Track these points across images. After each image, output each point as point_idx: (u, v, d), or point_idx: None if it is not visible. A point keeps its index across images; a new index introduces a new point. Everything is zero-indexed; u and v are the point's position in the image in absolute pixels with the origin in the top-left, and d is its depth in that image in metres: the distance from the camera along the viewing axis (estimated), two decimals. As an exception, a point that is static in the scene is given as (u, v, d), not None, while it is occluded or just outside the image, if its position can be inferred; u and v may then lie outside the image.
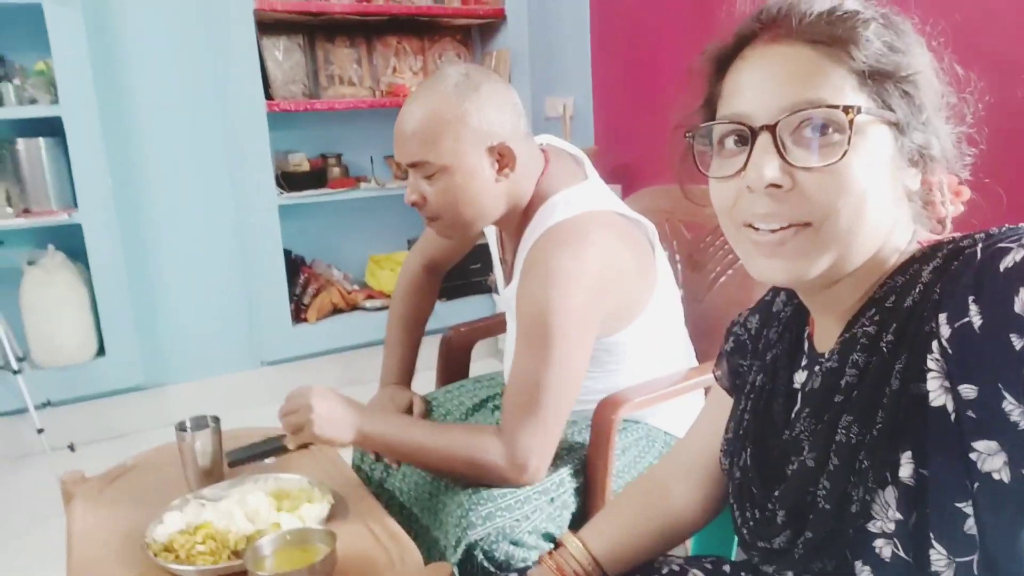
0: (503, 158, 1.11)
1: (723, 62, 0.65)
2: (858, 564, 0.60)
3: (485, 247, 1.39)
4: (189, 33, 2.61)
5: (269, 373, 2.89)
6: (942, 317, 0.54)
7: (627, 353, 1.19)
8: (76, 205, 2.47)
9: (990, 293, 0.51)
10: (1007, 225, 0.56)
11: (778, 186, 0.57)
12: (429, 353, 1.57)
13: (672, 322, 1.27)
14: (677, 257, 1.51)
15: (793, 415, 0.66)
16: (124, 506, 1.18)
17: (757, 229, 0.60)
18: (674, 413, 1.26)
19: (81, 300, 2.54)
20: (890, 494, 0.57)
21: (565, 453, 1.16)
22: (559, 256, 1.06)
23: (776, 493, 0.65)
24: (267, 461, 1.28)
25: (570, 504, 1.12)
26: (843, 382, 0.60)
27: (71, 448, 2.51)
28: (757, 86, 0.60)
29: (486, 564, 1.03)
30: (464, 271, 3.05)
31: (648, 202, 1.56)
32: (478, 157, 1.09)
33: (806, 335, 0.70)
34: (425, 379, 1.54)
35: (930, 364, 0.54)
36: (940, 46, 0.62)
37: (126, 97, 2.57)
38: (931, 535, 0.54)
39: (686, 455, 0.87)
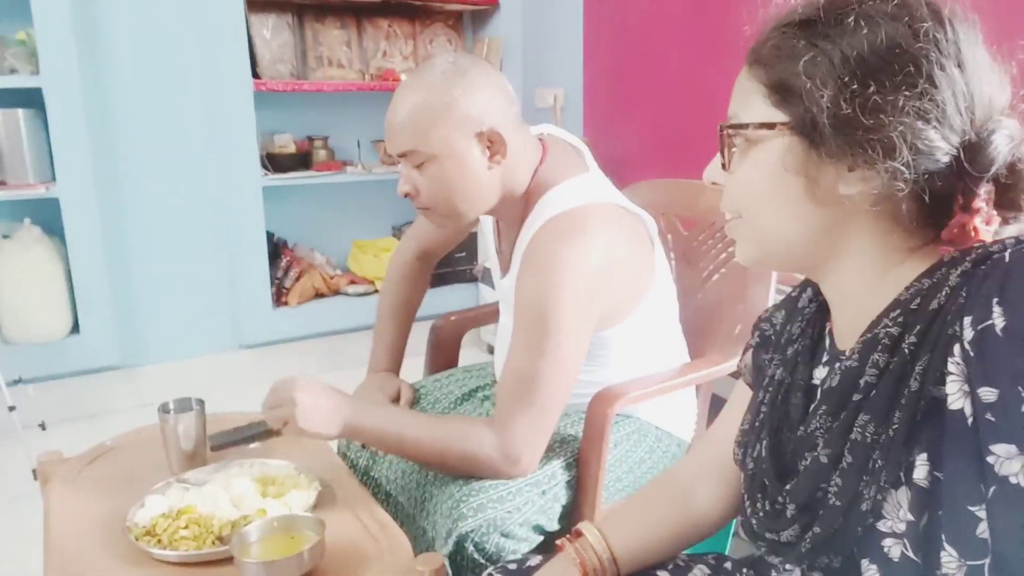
0: (494, 144, 1.09)
1: None
2: (865, 562, 0.60)
3: (473, 236, 1.38)
4: (176, 6, 2.55)
5: (249, 356, 2.85)
6: (966, 320, 0.54)
7: (621, 347, 1.18)
8: (54, 179, 2.41)
9: (1014, 296, 0.52)
10: None
11: (716, 183, 0.68)
12: (419, 340, 1.55)
13: (667, 317, 1.26)
14: (671, 252, 1.50)
15: (810, 411, 0.67)
16: (103, 489, 1.16)
17: None
18: (665, 408, 1.25)
19: (56, 276, 2.48)
20: (903, 495, 0.58)
21: (557, 446, 1.15)
22: (560, 248, 1.05)
23: (788, 487, 0.66)
24: (252, 446, 1.25)
25: (561, 497, 1.11)
26: (862, 381, 0.60)
27: (42, 427, 2.45)
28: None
29: (476, 556, 1.02)
30: (449, 259, 3.02)
31: (644, 196, 1.55)
32: (467, 144, 1.08)
33: (827, 331, 0.71)
34: (413, 366, 1.53)
35: (951, 367, 0.55)
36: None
37: (109, 70, 2.50)
38: (943, 537, 0.55)
39: (709, 453, 0.86)
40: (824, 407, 0.64)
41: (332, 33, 2.95)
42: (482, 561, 1.01)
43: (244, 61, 2.60)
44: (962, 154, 0.58)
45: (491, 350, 2.49)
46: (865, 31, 0.58)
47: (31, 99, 2.35)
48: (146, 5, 2.51)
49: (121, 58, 2.51)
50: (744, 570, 0.81)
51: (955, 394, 0.54)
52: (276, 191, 2.80)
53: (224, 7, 2.53)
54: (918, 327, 0.58)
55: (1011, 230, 0.62)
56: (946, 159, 0.58)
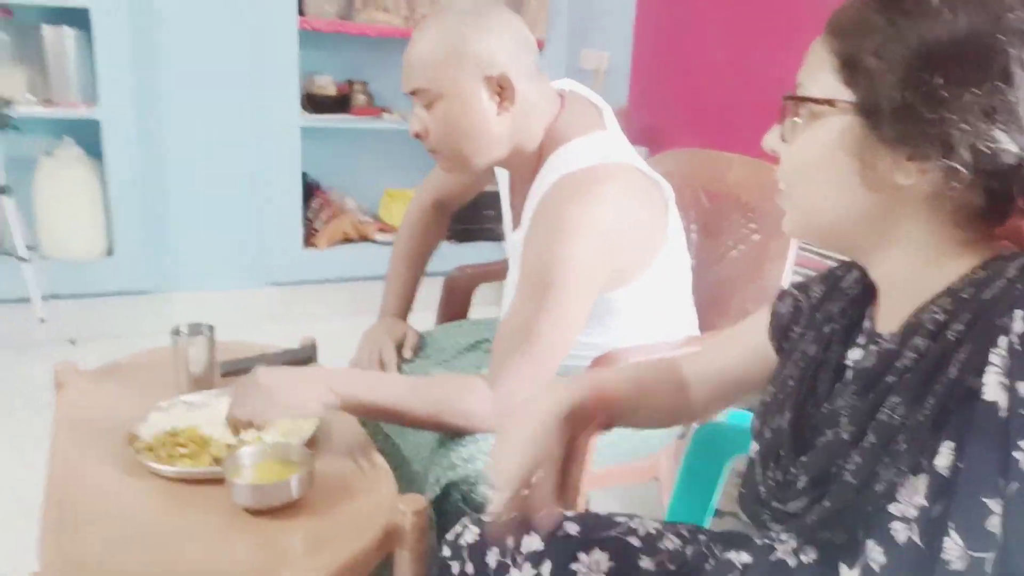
0: (504, 91, 1.08)
1: None
2: (870, 543, 0.60)
3: (498, 195, 1.37)
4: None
5: (275, 293, 2.90)
6: (1018, 313, 0.53)
7: (626, 311, 1.18)
8: (96, 100, 2.45)
9: None
10: None
11: (776, 151, 0.67)
12: (434, 292, 1.56)
13: (677, 287, 1.25)
14: (693, 223, 1.48)
15: (836, 389, 0.67)
16: (113, 402, 1.19)
17: None
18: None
19: (94, 197, 2.54)
20: (921, 480, 0.57)
21: (553, 403, 1.15)
22: (570, 207, 1.04)
23: (803, 459, 0.65)
24: (257, 376, 1.28)
25: (552, 454, 1.11)
26: (899, 364, 0.60)
27: (72, 342, 2.54)
28: None
29: (462, 505, 1.03)
30: (478, 216, 3.02)
31: (671, 165, 1.52)
32: (476, 86, 1.07)
33: (868, 315, 0.70)
34: (425, 319, 1.54)
35: (992, 358, 0.54)
36: None
37: (157, -5, 2.52)
38: (950, 524, 0.54)
39: (713, 368, 0.87)
40: (854, 386, 0.63)
41: (382, -24, 2.92)
42: (468, 510, 1.03)
43: (291, -1, 2.59)
44: None
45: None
46: (947, 15, 0.55)
47: (78, 19, 2.38)
48: (197, -67, 2.51)
49: (169, -16, 2.52)
50: (718, 544, 0.81)
51: (992, 385, 0.53)
52: (313, 132, 2.81)
53: (274, -59, 2.52)
54: (968, 315, 0.57)
55: None
56: (1012, 160, 0.56)
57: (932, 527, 0.56)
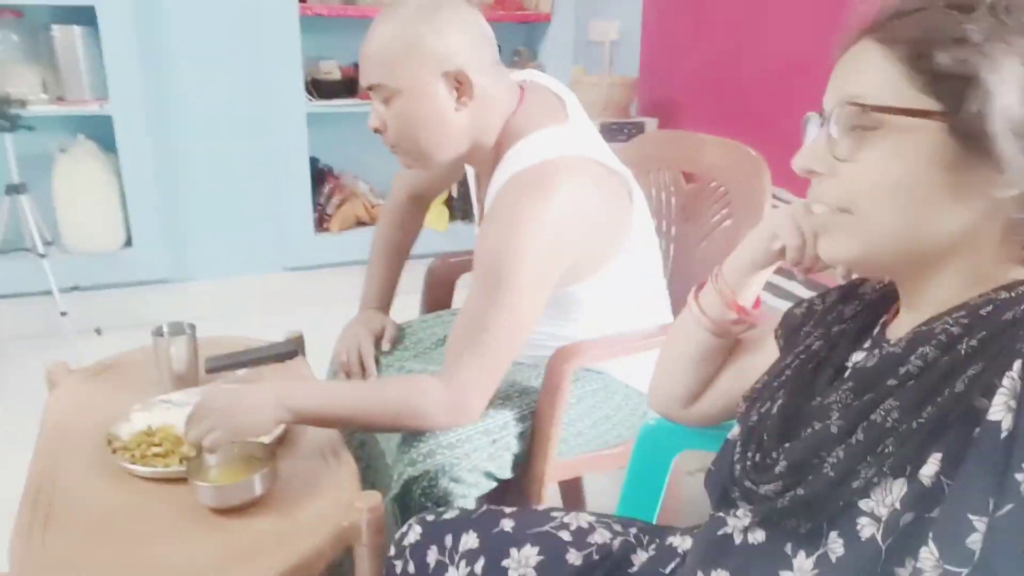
0: (462, 86, 1.07)
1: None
2: (833, 534, 0.61)
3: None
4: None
5: (290, 278, 2.96)
6: None
7: (591, 303, 1.18)
8: (108, 96, 2.51)
9: None
10: None
11: (814, 172, 0.62)
12: (418, 279, 1.58)
13: (646, 275, 1.24)
14: (673, 206, 1.46)
15: (833, 385, 0.67)
16: (101, 401, 1.24)
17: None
18: (637, 367, 1.24)
19: (111, 190, 2.61)
20: (899, 485, 0.58)
21: (516, 396, 1.17)
22: (522, 202, 1.03)
23: (787, 445, 0.66)
24: (239, 372, 1.32)
25: (512, 446, 1.13)
26: (903, 369, 0.60)
27: (98, 332, 2.63)
28: (833, 79, 0.63)
29: (422, 500, 1.06)
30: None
31: (652, 148, 1.51)
32: (433, 81, 1.06)
33: (881, 322, 0.70)
34: (408, 305, 1.56)
35: (1004, 381, 0.54)
36: None
37: (160, -10, 2.55)
38: (930, 534, 0.55)
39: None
40: (850, 383, 0.63)
41: (383, -43, 2.90)
42: (428, 505, 1.05)
43: (291, -15, 2.60)
44: None
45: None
46: None
47: (87, 17, 2.43)
48: (196, -75, 2.53)
49: (171, -22, 2.55)
50: (651, 534, 0.82)
51: (999, 406, 0.54)
52: (322, 117, 2.84)
53: (272, -72, 2.53)
54: (984, 332, 0.57)
55: None
56: None
57: (903, 533, 0.56)
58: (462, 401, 1.05)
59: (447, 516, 0.91)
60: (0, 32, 2.41)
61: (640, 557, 0.82)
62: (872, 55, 0.59)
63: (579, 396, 1.20)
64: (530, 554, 0.82)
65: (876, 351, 0.65)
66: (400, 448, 1.09)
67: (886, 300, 0.71)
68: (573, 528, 0.85)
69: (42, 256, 2.33)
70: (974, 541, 0.53)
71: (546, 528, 0.85)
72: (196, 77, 2.67)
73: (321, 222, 2.95)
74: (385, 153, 1.35)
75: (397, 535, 0.92)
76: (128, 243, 2.70)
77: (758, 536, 0.67)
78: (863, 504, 0.59)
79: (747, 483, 0.67)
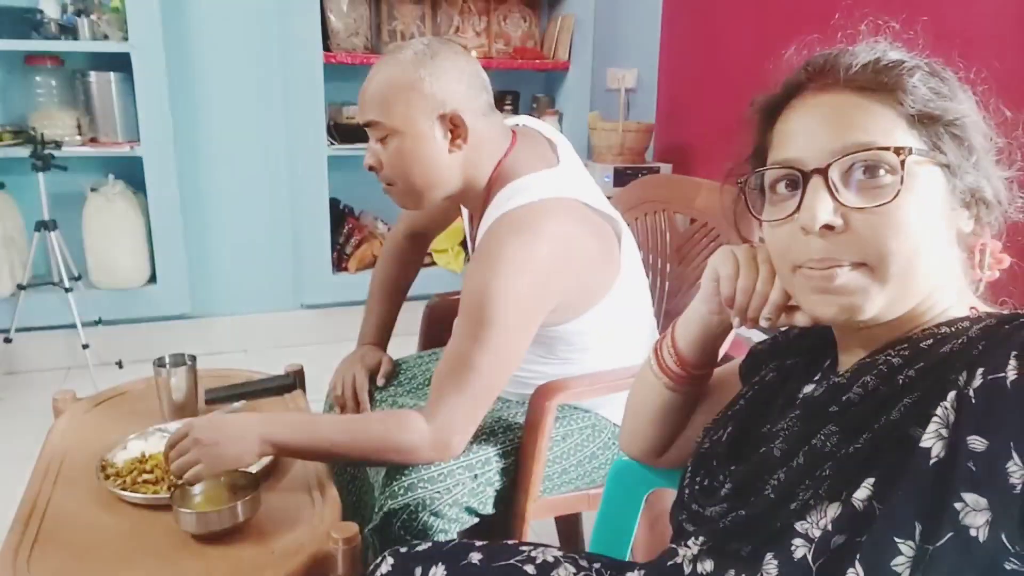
0: (456, 128, 1.11)
1: (772, 112, 0.68)
2: (768, 555, 0.62)
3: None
4: (255, -20, 2.69)
5: (308, 316, 3.01)
6: (979, 370, 0.55)
7: (579, 342, 1.19)
8: (139, 138, 2.62)
9: None
10: None
11: (831, 228, 0.60)
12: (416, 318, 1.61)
13: (635, 315, 1.25)
14: (668, 247, 1.48)
15: (782, 414, 0.68)
16: (101, 428, 1.28)
17: (812, 269, 0.63)
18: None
19: (138, 229, 2.71)
20: (833, 508, 0.59)
21: (500, 432, 1.18)
22: (507, 243, 1.06)
23: (732, 467, 0.68)
24: (236, 404, 1.35)
25: (495, 482, 1.14)
26: (844, 397, 0.61)
27: (119, 365, 2.70)
28: (808, 132, 0.63)
29: (401, 533, 1.07)
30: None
31: (644, 191, 1.53)
32: (429, 123, 1.10)
33: (832, 356, 0.71)
34: (408, 344, 1.59)
35: (938, 411, 0.56)
36: (985, 92, 0.65)
37: (191, 39, 2.68)
38: (857, 556, 0.56)
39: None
40: (798, 412, 0.65)
41: (407, 7, 3.02)
42: (407, 538, 1.06)
43: (316, 35, 2.71)
44: None
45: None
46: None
47: (121, 64, 2.55)
48: (228, -22, 2.67)
49: (203, 28, 2.68)
50: (608, 573, 0.82)
51: (931, 435, 0.55)
52: (344, 160, 2.92)
53: (299, -18, 2.65)
54: (921, 364, 0.59)
55: None
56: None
57: (829, 553, 0.58)
58: (444, 437, 1.06)
59: (419, 548, 0.92)
60: (41, 78, 2.54)
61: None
62: (865, 105, 0.61)
63: (564, 434, 1.20)
64: (494, 586, 0.83)
65: (824, 382, 0.67)
66: (383, 481, 1.11)
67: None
68: (539, 562, 0.85)
69: (68, 290, 2.41)
70: (899, 564, 0.54)
71: (512, 561, 0.85)
72: (223, 121, 2.78)
73: (339, 261, 3.01)
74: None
75: (371, 567, 0.93)
76: (152, 279, 2.78)
77: (707, 566, 0.68)
78: (798, 526, 0.60)
79: (694, 506, 0.69)
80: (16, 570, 0.93)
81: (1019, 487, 0.50)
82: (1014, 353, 0.53)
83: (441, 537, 1.08)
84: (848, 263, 0.60)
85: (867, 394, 0.60)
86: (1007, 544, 0.50)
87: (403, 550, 0.92)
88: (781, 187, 0.65)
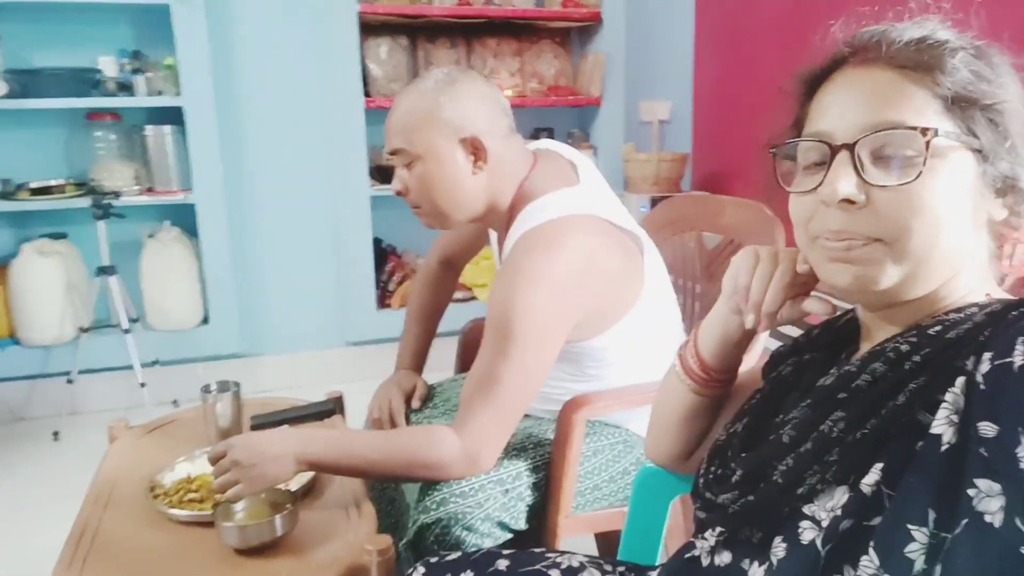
0: (477, 151, 1.15)
1: (813, 84, 0.68)
2: (777, 539, 0.63)
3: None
4: (298, 34, 2.84)
5: (353, 352, 3.08)
6: (985, 355, 0.55)
7: (606, 357, 1.20)
8: (191, 187, 2.75)
9: None
10: None
11: (851, 202, 0.61)
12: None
13: (663, 330, 1.26)
14: (697, 265, 1.49)
15: (794, 405, 0.69)
16: (152, 453, 1.34)
17: (828, 240, 0.64)
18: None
19: (191, 272, 2.83)
20: (841, 492, 0.60)
21: (531, 447, 1.19)
22: (529, 259, 1.09)
23: (743, 455, 0.69)
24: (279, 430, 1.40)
25: (526, 497, 1.15)
26: (853, 384, 0.62)
27: (175, 403, 2.80)
28: (841, 106, 0.63)
29: (435, 547, 1.08)
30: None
31: (673, 211, 1.55)
32: (451, 148, 1.15)
33: (849, 350, 0.73)
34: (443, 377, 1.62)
35: (946, 397, 0.56)
36: None
37: (239, 91, 2.82)
38: (871, 543, 0.56)
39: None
40: (809, 400, 0.66)
41: (442, 52, 3.13)
42: (441, 553, 1.07)
43: (357, 82, 2.83)
44: None
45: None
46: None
47: (175, 117, 2.70)
48: (272, 34, 2.81)
49: (250, 81, 2.83)
50: (635, 572, 0.82)
51: (941, 420, 0.56)
52: (385, 200, 3.01)
53: (340, 34, 2.79)
54: (928, 350, 0.60)
55: None
56: None
57: (838, 538, 0.58)
58: (473, 451, 1.08)
59: (449, 557, 0.93)
60: (101, 133, 2.70)
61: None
62: (899, 82, 0.61)
63: (595, 449, 1.21)
64: (521, 591, 0.84)
65: (837, 371, 0.67)
66: (417, 496, 1.13)
67: (857, 331, 0.73)
68: (564, 567, 0.86)
69: (126, 332, 2.52)
70: (912, 550, 0.54)
71: (537, 567, 0.86)
72: (270, 167, 2.91)
73: (383, 298, 3.08)
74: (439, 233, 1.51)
75: (404, 576, 0.95)
76: (205, 320, 2.89)
77: (724, 557, 0.68)
78: (806, 509, 0.61)
79: (707, 494, 0.70)
80: (70, 582, 0.98)
81: None
82: (1021, 339, 0.53)
83: (474, 551, 1.09)
84: (863, 239, 0.61)
85: (875, 380, 0.61)
86: (1022, 529, 0.50)
87: (434, 560, 0.94)
88: (811, 159, 0.65)
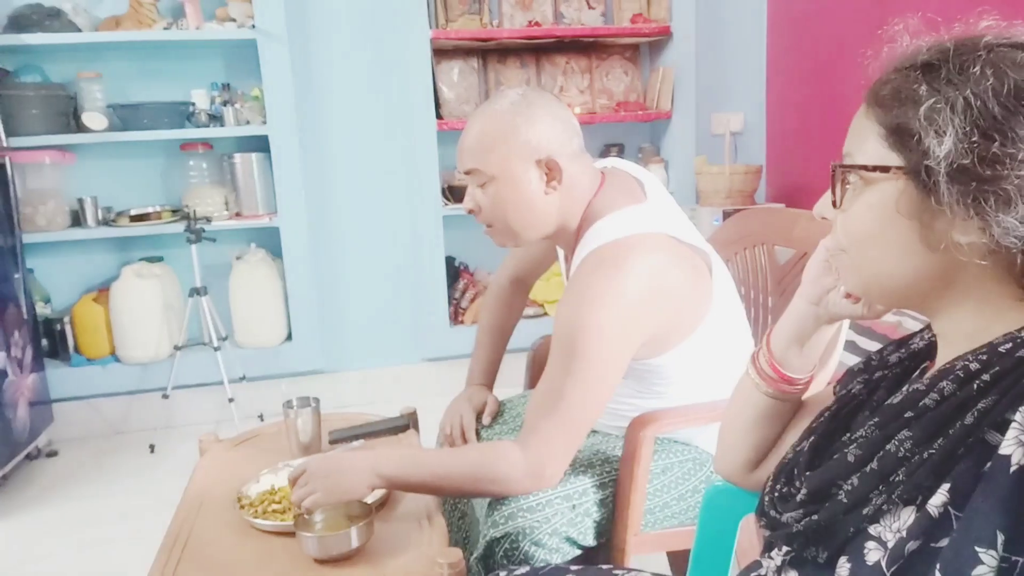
0: (551, 171, 1.17)
1: None
2: (842, 559, 0.62)
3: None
4: (374, 62, 2.95)
5: (428, 368, 3.15)
6: None
7: (674, 374, 1.20)
8: (276, 211, 2.88)
9: None
10: None
11: (825, 219, 0.70)
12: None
13: (732, 347, 1.25)
14: (769, 279, 1.47)
15: (862, 424, 0.69)
16: (240, 465, 1.41)
17: None
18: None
19: (276, 292, 2.96)
20: (908, 513, 0.59)
21: (599, 464, 1.20)
22: (597, 277, 1.10)
23: (808, 473, 0.69)
24: (354, 444, 1.45)
25: (592, 513, 1.15)
26: (921, 403, 0.62)
27: (260, 418, 2.92)
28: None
29: (504, 561, 1.10)
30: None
31: (742, 226, 1.53)
32: (525, 168, 1.17)
33: (922, 368, 0.73)
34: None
35: (1016, 417, 0.55)
36: None
37: (321, 119, 2.95)
38: (937, 566, 0.55)
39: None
40: (876, 419, 0.66)
41: (512, 72, 3.18)
42: (508, 565, 1.10)
43: (430, 107, 2.92)
44: None
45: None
46: (991, 80, 0.57)
47: (262, 145, 2.85)
48: (351, 64, 2.94)
49: (330, 109, 2.96)
50: None
51: (1011, 441, 0.55)
52: (457, 220, 3.07)
53: (414, 61, 2.89)
54: (998, 368, 0.59)
55: None
56: None
57: (904, 560, 0.58)
58: (539, 466, 1.10)
59: (517, 572, 0.95)
60: (193, 162, 2.87)
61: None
62: (861, 118, 0.66)
63: (663, 467, 1.21)
64: (590, 606, 0.85)
65: (905, 389, 0.66)
66: (486, 512, 1.15)
67: (930, 348, 0.72)
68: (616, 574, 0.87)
69: (216, 349, 2.66)
70: (980, 573, 0.52)
71: (605, 583, 0.87)
72: (349, 191, 3.02)
73: (456, 315, 3.14)
74: (510, 251, 1.56)
75: (481, 588, 0.98)
76: (289, 338, 3.02)
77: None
78: (872, 530, 0.60)
79: (772, 512, 0.70)
80: (164, 585, 1.05)
81: None
82: None
83: (543, 567, 1.11)
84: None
85: (943, 399, 0.60)
86: None
87: (503, 574, 0.96)
88: None
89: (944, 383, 0.61)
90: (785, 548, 0.69)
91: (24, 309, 2.58)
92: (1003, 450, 0.54)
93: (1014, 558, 0.52)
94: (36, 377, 2.66)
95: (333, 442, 1.49)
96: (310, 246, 2.94)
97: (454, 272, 3.16)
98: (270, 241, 2.95)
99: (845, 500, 0.63)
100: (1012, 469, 0.53)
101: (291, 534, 1.14)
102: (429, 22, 2.87)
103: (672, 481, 1.21)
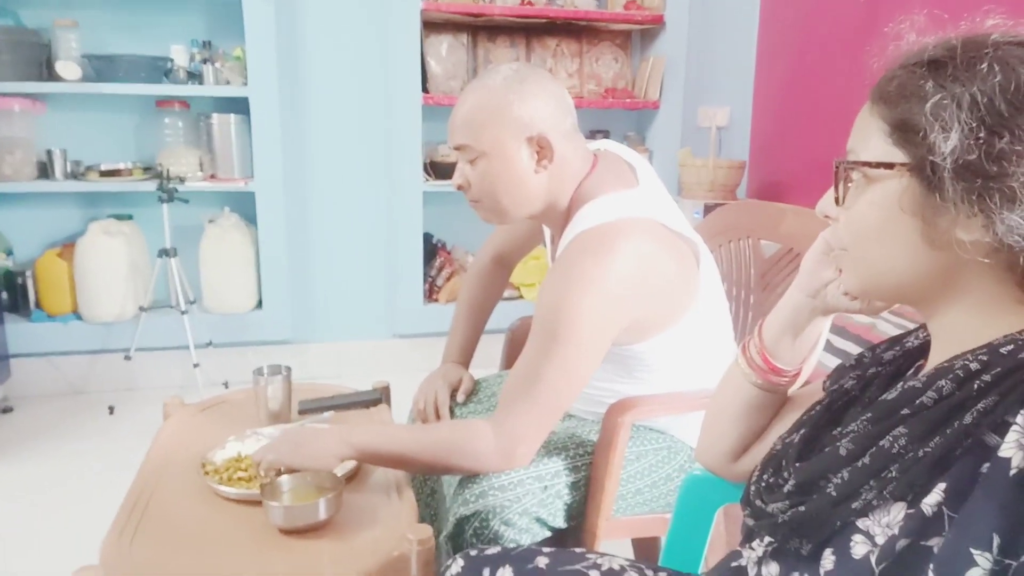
0: (542, 149, 1.15)
1: None
2: (827, 552, 0.62)
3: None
4: (361, 30, 2.88)
5: (399, 344, 3.12)
6: None
7: (655, 362, 1.19)
8: (253, 175, 2.82)
9: None
10: None
11: (828, 216, 0.70)
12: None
13: (714, 338, 1.24)
14: (752, 274, 1.47)
15: (854, 418, 0.69)
16: (205, 431, 1.38)
17: None
18: (702, 429, 1.24)
19: (248, 258, 2.90)
20: (898, 509, 0.59)
21: (573, 447, 1.19)
22: (582, 261, 1.09)
23: (797, 464, 0.68)
24: (325, 415, 1.43)
25: (564, 495, 1.15)
26: (918, 400, 0.62)
27: (225, 385, 2.87)
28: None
29: (474, 540, 1.09)
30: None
31: (728, 219, 1.53)
32: (516, 145, 1.15)
33: (916, 366, 0.72)
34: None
35: (1017, 419, 0.55)
36: None
37: (303, 84, 2.88)
38: (930, 566, 0.55)
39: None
40: (869, 414, 0.65)
41: (502, 51, 3.14)
42: (479, 545, 1.08)
43: (416, 78, 2.87)
44: None
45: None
46: (999, 77, 0.57)
47: (241, 107, 2.77)
48: (338, 30, 2.87)
49: (313, 74, 2.89)
50: None
51: (1010, 444, 0.55)
52: (437, 196, 3.04)
53: (402, 30, 2.82)
54: (999, 369, 0.58)
55: None
56: None
57: (894, 558, 0.57)
58: (510, 445, 1.08)
59: (488, 552, 0.94)
60: (169, 120, 2.79)
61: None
62: (865, 115, 0.66)
63: (638, 454, 1.20)
64: (560, 590, 0.84)
65: (900, 386, 0.66)
66: (456, 489, 1.14)
67: (924, 348, 0.71)
68: (604, 569, 0.86)
69: (184, 313, 2.60)
70: (974, 575, 0.52)
71: (577, 567, 0.86)
72: (328, 160, 2.96)
73: (431, 293, 3.11)
74: (492, 230, 1.55)
75: (442, 568, 0.96)
76: (259, 305, 2.96)
77: (772, 569, 0.67)
78: (860, 523, 0.60)
79: (758, 502, 0.69)
80: (120, 550, 1.02)
81: None
82: None
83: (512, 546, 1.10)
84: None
85: (941, 398, 0.60)
86: None
87: (473, 553, 0.94)
88: None
89: (943, 382, 0.60)
90: (768, 539, 0.69)
91: (-16, 260, 2.50)
92: (1002, 452, 0.54)
93: (1007, 561, 0.52)
94: (-7, 331, 2.58)
95: (303, 412, 1.46)
96: (285, 213, 2.88)
97: (431, 249, 3.13)
98: (244, 206, 2.88)
99: (834, 493, 0.62)
100: (1011, 472, 0.53)
101: (257, 503, 1.11)
102: (420, -7, 2.82)
103: (645, 468, 1.21)
